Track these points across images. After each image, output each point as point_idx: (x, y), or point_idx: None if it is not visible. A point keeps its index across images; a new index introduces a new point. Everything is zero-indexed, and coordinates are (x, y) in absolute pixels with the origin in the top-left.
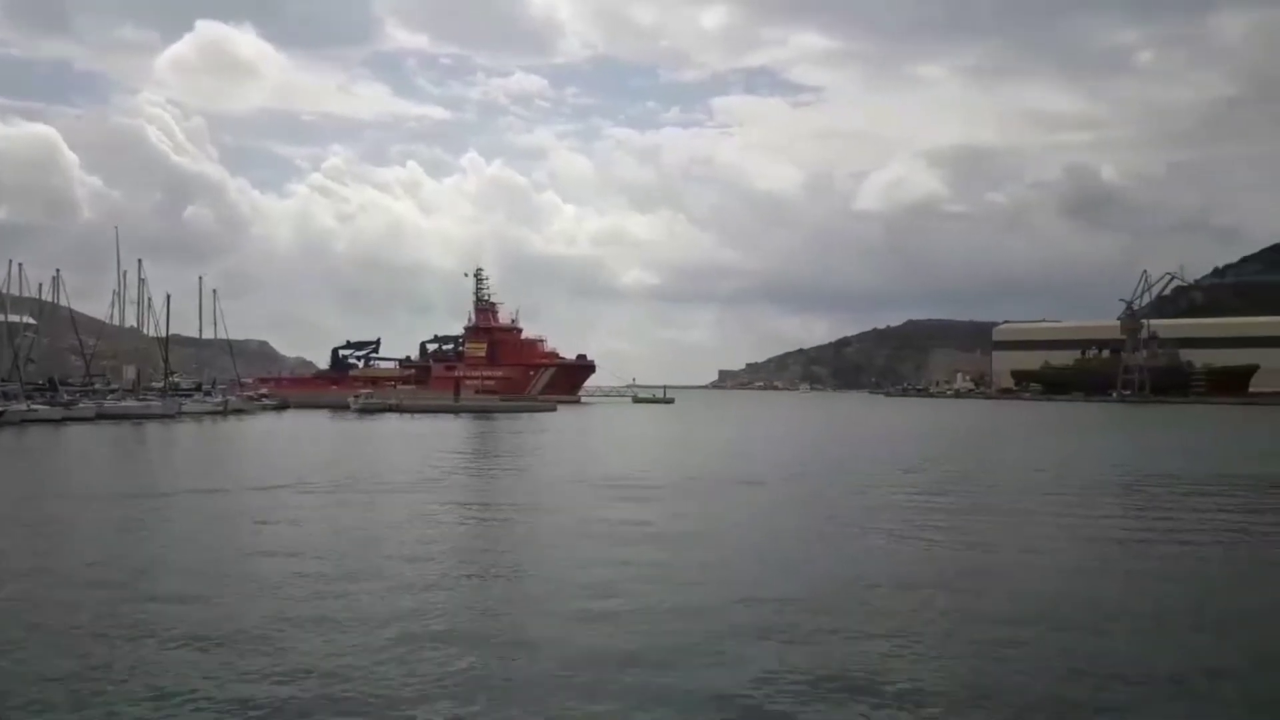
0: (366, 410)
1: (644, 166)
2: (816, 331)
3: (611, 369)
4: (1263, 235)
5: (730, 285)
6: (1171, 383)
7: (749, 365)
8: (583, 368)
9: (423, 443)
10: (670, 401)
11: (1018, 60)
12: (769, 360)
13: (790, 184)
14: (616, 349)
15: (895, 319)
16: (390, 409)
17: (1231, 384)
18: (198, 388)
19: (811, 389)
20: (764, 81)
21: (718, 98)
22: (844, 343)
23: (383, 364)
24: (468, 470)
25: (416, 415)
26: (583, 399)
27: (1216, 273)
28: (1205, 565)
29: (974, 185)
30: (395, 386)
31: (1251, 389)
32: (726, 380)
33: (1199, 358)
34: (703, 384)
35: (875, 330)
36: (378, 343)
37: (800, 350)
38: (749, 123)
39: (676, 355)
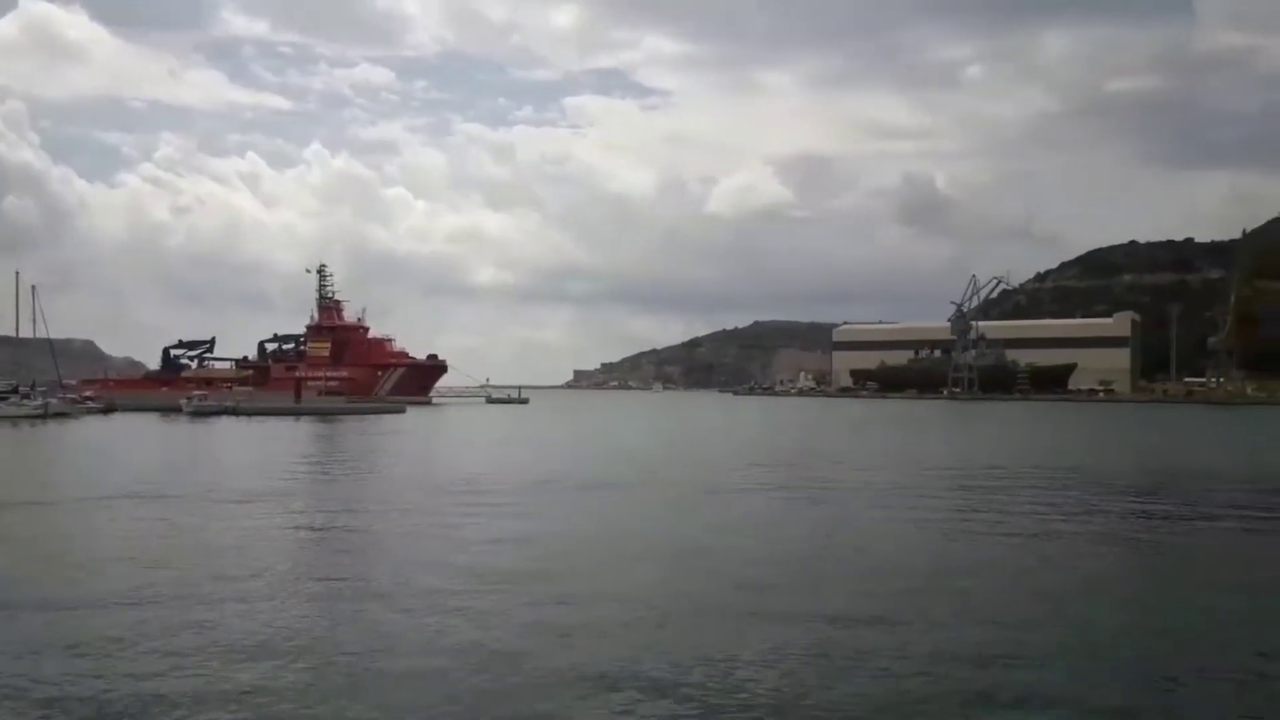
0: (200, 413)
1: (499, 164)
2: (669, 332)
3: (464, 369)
4: (1080, 243)
5: (585, 285)
6: (998, 381)
7: (603, 365)
8: (434, 368)
9: (260, 447)
10: (525, 402)
11: (858, 71)
12: (623, 360)
13: (643, 186)
14: (470, 348)
15: (744, 320)
16: (226, 412)
17: (1052, 381)
18: (14, 390)
19: (665, 388)
20: (616, 83)
21: (570, 97)
22: (695, 343)
23: (218, 364)
24: (307, 477)
25: (254, 418)
26: (434, 400)
27: (1038, 277)
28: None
29: (817, 191)
30: (231, 388)
31: (1070, 386)
32: (581, 380)
33: (1023, 357)
34: (557, 384)
35: (725, 331)
36: (212, 342)
37: (653, 350)
38: (601, 123)
39: (531, 355)
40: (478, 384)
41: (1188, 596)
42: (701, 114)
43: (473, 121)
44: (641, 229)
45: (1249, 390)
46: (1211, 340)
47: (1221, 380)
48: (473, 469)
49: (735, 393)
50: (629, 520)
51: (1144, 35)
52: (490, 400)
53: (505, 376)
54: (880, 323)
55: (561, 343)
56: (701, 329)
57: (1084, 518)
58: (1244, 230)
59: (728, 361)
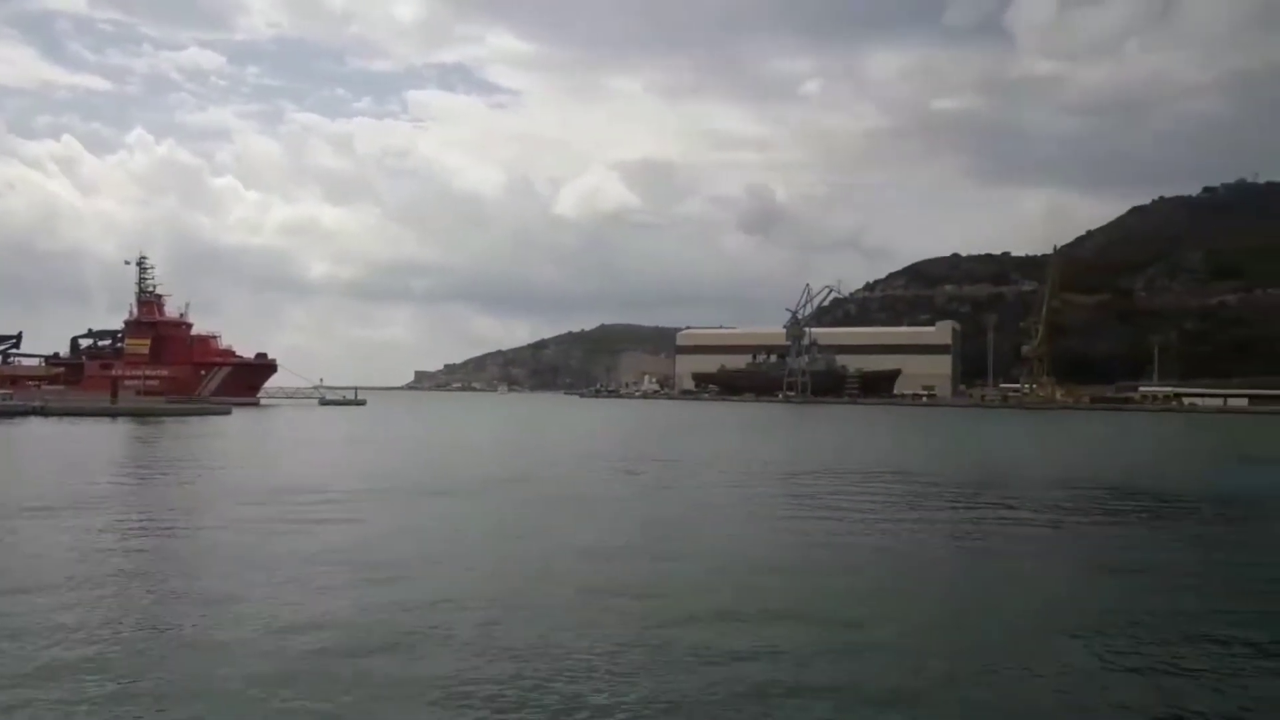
0: (3, 413)
1: (338, 156)
2: (515, 333)
3: (297, 369)
4: (906, 254)
5: (428, 283)
6: (829, 385)
7: (447, 366)
8: (263, 367)
9: (67, 450)
10: (362, 404)
11: (703, 80)
12: (467, 361)
13: (490, 185)
14: (303, 347)
15: (589, 322)
16: (34, 412)
17: (879, 386)
18: None
19: (510, 390)
20: (460, 79)
21: (412, 91)
22: (541, 345)
23: (25, 361)
24: (116, 483)
25: (65, 419)
26: (262, 401)
27: (868, 287)
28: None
29: (662, 197)
30: (40, 386)
31: (895, 390)
32: (423, 381)
33: (852, 363)
34: (398, 385)
35: (571, 333)
36: (19, 337)
37: (498, 351)
38: (445, 119)
39: (370, 355)
40: (311, 384)
41: (999, 587)
42: (549, 115)
43: (309, 111)
44: (487, 228)
45: (1058, 396)
46: (1025, 348)
47: (1034, 386)
48: (300, 474)
49: (581, 395)
50: (464, 527)
51: (966, 58)
52: (324, 402)
53: (341, 377)
54: (721, 328)
55: (402, 342)
56: (548, 331)
57: (907, 513)
58: (1055, 246)
59: (573, 364)
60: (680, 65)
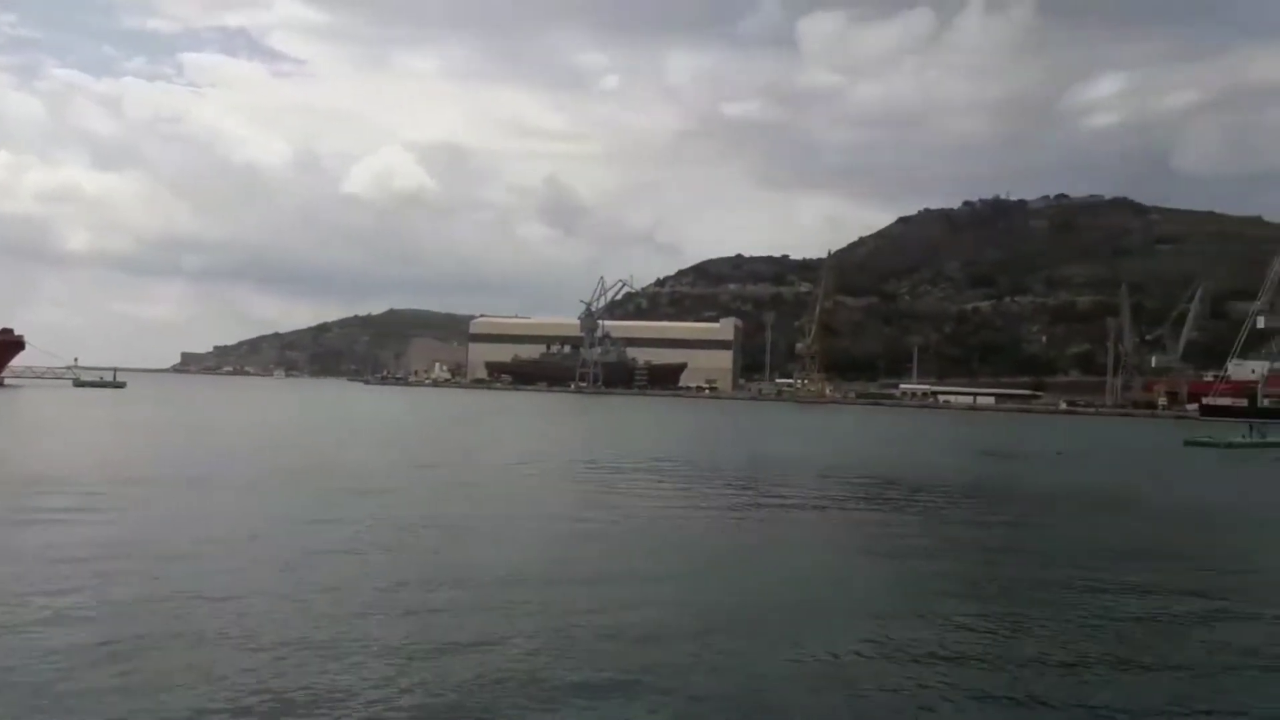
0: None
1: (106, 118)
2: (296, 315)
3: (49, 347)
4: (695, 252)
5: (202, 260)
6: (619, 376)
7: (217, 348)
8: (8, 344)
9: None
10: (121, 386)
11: (499, 65)
12: (241, 344)
13: (274, 158)
14: (59, 324)
15: (378, 306)
16: None
17: (666, 378)
18: None
19: (288, 375)
20: (243, 44)
21: (189, 53)
22: (324, 328)
23: None
24: None
25: None
26: (6, 382)
27: (658, 282)
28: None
29: (459, 182)
30: None
31: (681, 383)
32: (190, 364)
33: (642, 355)
34: (163, 367)
35: (358, 317)
36: None
37: (276, 334)
38: (225, 85)
39: (133, 334)
40: (64, 364)
41: (764, 571)
42: (338, 88)
43: (72, 68)
44: (270, 203)
45: (828, 391)
46: (799, 346)
47: (806, 382)
48: (42, 462)
49: (366, 382)
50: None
51: (756, 66)
52: (79, 383)
53: (100, 357)
54: (516, 317)
55: (171, 322)
56: (332, 314)
57: (685, 502)
58: (830, 251)
59: (359, 349)
60: (476, 48)
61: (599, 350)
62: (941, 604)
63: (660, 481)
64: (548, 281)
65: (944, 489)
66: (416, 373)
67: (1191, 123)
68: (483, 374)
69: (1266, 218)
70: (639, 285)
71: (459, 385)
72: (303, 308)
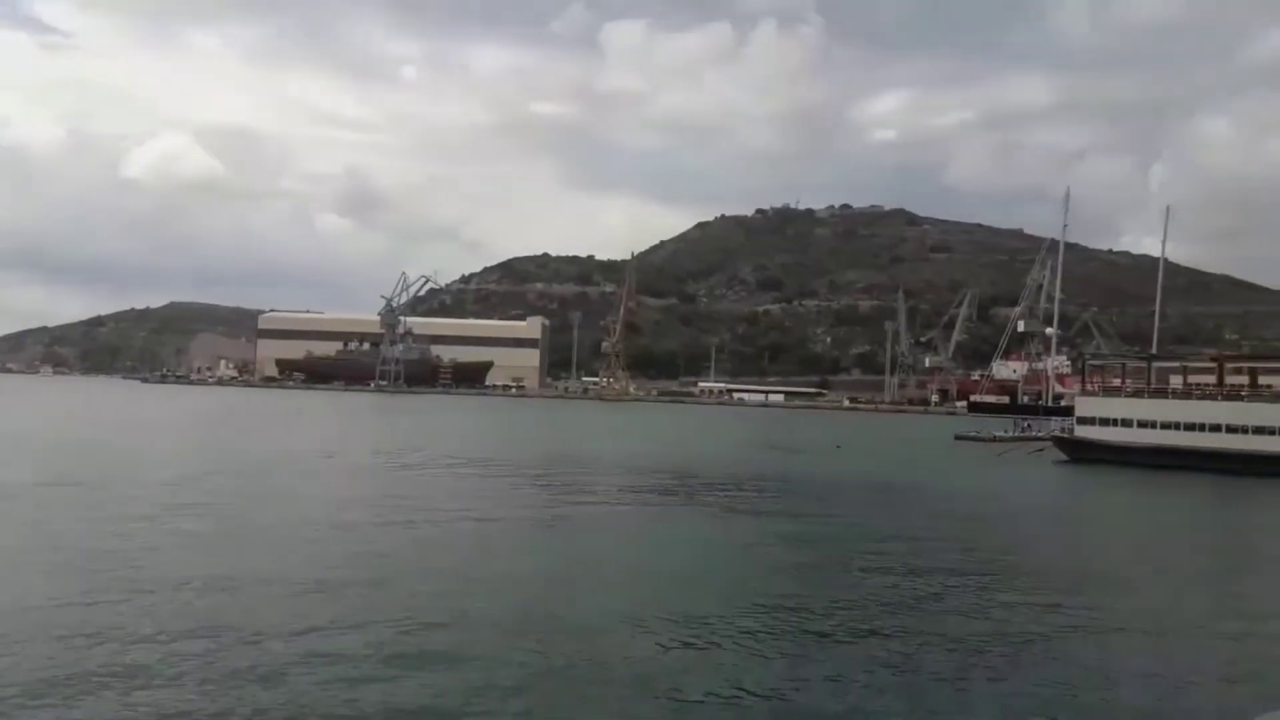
0: None
1: None
2: (65, 308)
3: None
4: (501, 250)
5: None
6: (422, 375)
7: None
8: None
9: None
10: None
11: (293, 47)
12: (4, 338)
13: (41, 138)
14: None
15: (158, 299)
16: None
17: (472, 376)
18: None
19: (55, 373)
20: (4, 12)
21: None
22: (97, 322)
23: None
24: None
25: None
26: None
27: (464, 279)
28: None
29: (251, 169)
30: None
31: (487, 382)
32: None
33: (446, 353)
34: None
35: (135, 310)
36: None
37: (43, 328)
38: None
39: None
40: None
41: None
42: (116, 65)
43: None
44: (36, 185)
45: (631, 389)
46: (604, 345)
47: (611, 380)
48: None
49: (144, 380)
50: None
51: (561, 65)
52: None
53: None
54: (310, 312)
55: None
56: (107, 307)
57: (491, 498)
58: (633, 252)
59: (137, 345)
60: (269, 29)
61: (401, 348)
62: (722, 593)
63: (460, 480)
64: (346, 276)
65: (737, 482)
66: (199, 370)
67: (962, 140)
68: (273, 372)
69: (1027, 230)
70: (444, 281)
71: (246, 384)
72: (74, 300)
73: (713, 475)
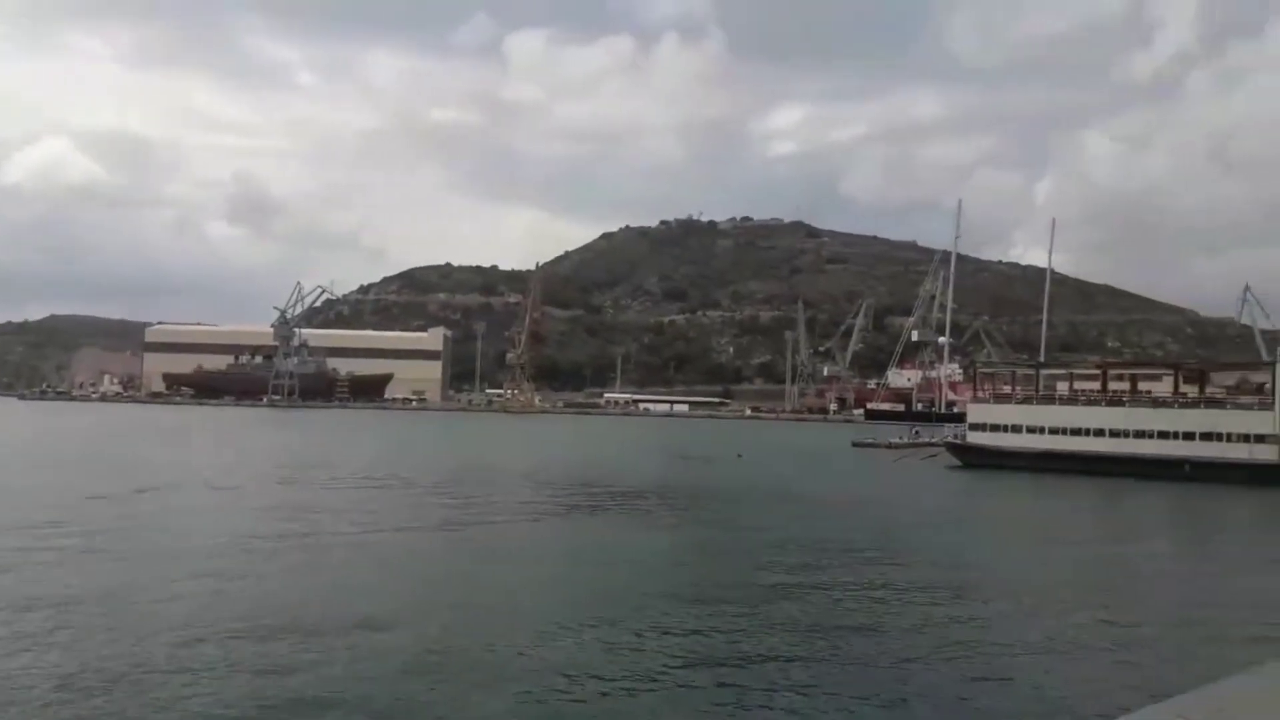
0: None
1: None
2: None
3: None
4: (402, 259)
5: None
6: (319, 388)
7: None
8: None
9: None
10: None
11: (179, 52)
12: None
13: None
14: None
15: (37, 312)
16: None
17: (371, 390)
18: None
19: None
20: None
21: None
22: None
23: None
24: None
25: None
26: None
27: (362, 289)
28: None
29: (136, 176)
30: None
31: (387, 395)
32: None
33: (343, 366)
34: None
35: (12, 324)
36: None
37: None
38: None
39: None
40: None
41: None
42: None
43: None
44: None
45: (537, 401)
46: (509, 356)
47: (516, 392)
48: None
49: (22, 397)
50: None
51: (463, 73)
52: None
53: None
54: (200, 324)
55: None
56: None
57: (395, 516)
58: (538, 263)
59: (14, 359)
60: (153, 32)
61: (295, 361)
62: (623, 605)
63: (352, 498)
64: (238, 287)
65: (642, 492)
66: (82, 386)
67: (859, 154)
68: (160, 386)
69: (920, 242)
70: (341, 292)
71: (133, 399)
72: None
73: (619, 486)
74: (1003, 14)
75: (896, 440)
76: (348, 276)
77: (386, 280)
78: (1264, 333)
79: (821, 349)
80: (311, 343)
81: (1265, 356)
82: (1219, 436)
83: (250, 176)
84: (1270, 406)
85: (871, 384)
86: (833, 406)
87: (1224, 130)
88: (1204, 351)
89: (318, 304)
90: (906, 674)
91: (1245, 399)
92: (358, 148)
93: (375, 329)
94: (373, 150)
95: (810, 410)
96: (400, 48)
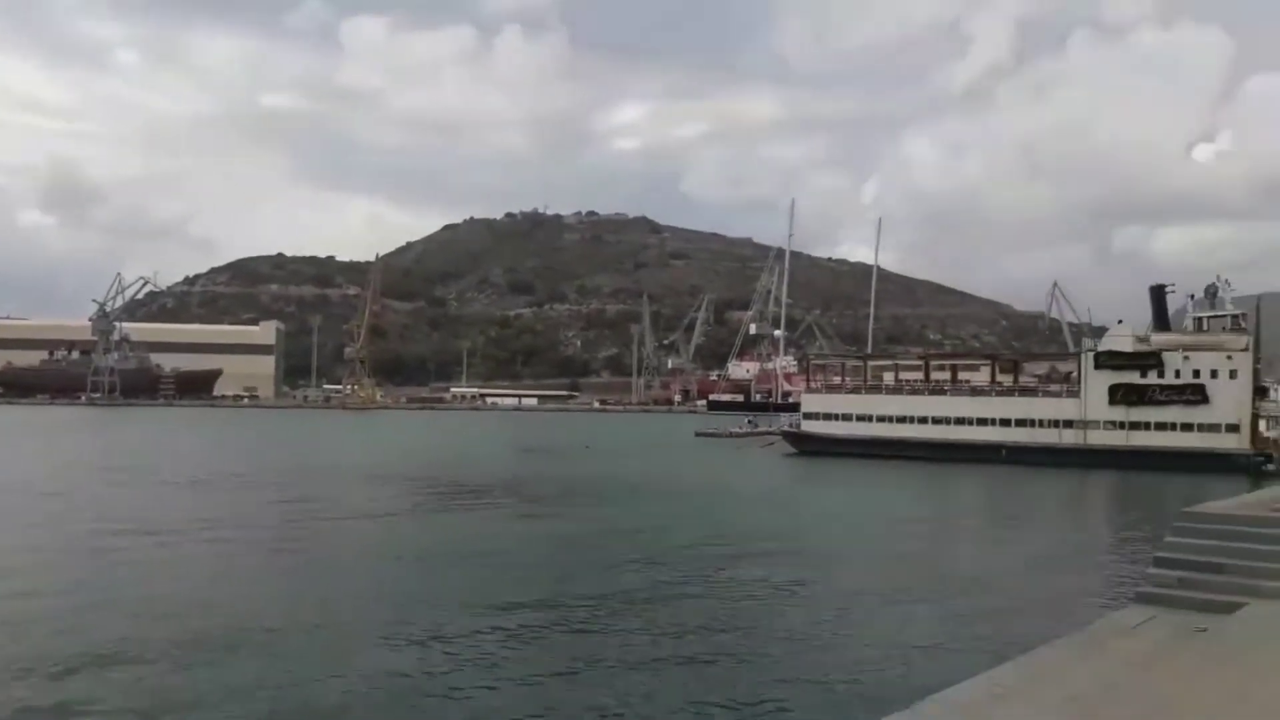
0: None
1: None
2: None
3: None
4: (231, 249)
5: None
6: (142, 385)
7: None
8: None
9: None
10: None
11: None
12: None
13: None
14: None
15: None
16: None
17: (198, 386)
18: None
19: None
20: None
21: None
22: None
23: None
24: None
25: None
26: None
27: (188, 281)
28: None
29: None
30: None
31: (216, 391)
32: None
33: (169, 361)
34: None
35: None
36: None
37: None
38: None
39: None
40: None
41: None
42: None
43: None
44: None
45: (378, 396)
46: (348, 351)
47: (356, 387)
48: None
49: None
50: None
51: (296, 57)
52: None
53: None
54: (10, 318)
55: None
56: None
57: (225, 520)
58: (378, 254)
59: None
60: None
61: (116, 356)
62: (468, 598)
63: (171, 501)
64: (52, 278)
65: (489, 486)
66: None
67: (697, 152)
68: None
69: (757, 239)
70: (165, 284)
71: None
72: None
73: (465, 482)
74: (833, 21)
75: (737, 430)
76: (174, 268)
77: (215, 271)
78: (1071, 325)
79: (666, 342)
80: (133, 337)
81: (1072, 348)
82: (1032, 423)
83: (65, 161)
84: (1077, 394)
85: (713, 376)
86: (677, 398)
87: (1032, 137)
88: (1017, 343)
89: (140, 296)
90: (742, 660)
91: (1055, 388)
92: (185, 132)
93: (203, 322)
94: (201, 135)
95: (656, 402)
96: (229, 30)
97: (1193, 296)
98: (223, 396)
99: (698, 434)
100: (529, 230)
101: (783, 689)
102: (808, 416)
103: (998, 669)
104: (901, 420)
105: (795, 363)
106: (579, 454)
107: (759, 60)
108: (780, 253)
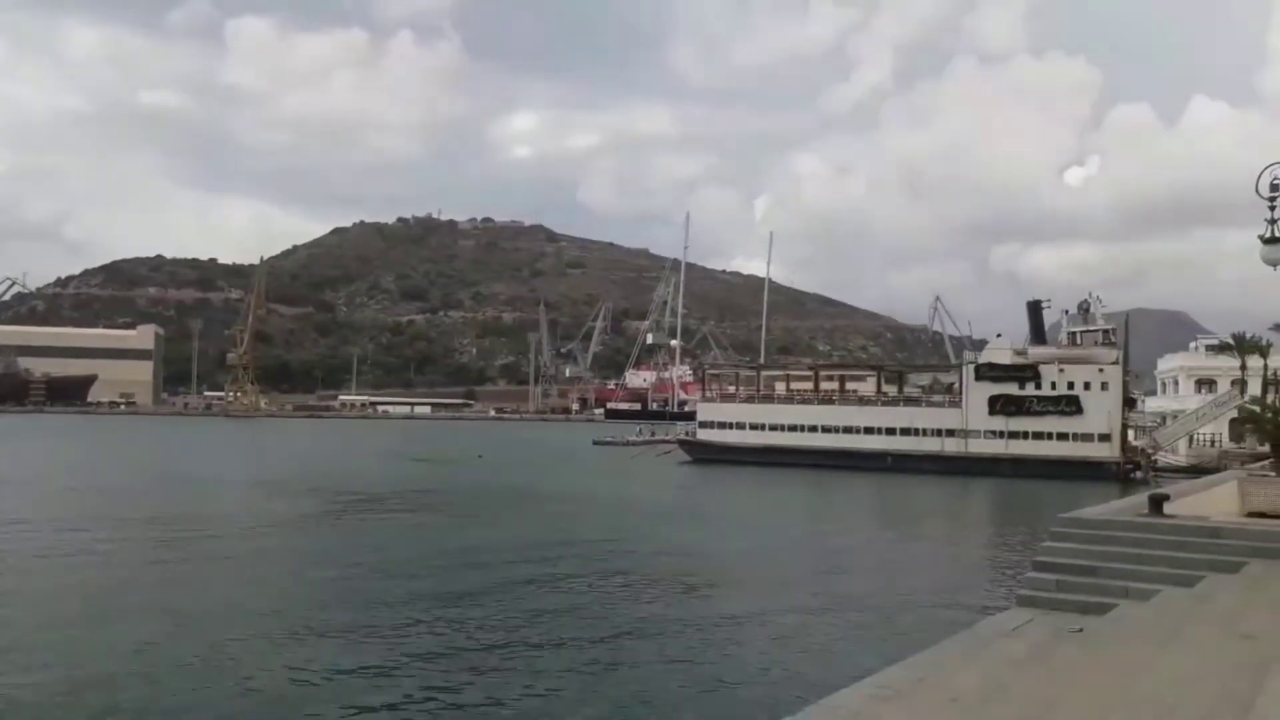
0: None
1: None
2: None
3: None
4: (106, 251)
5: None
6: (10, 391)
7: None
8: None
9: None
10: None
11: None
12: None
13: None
14: None
15: None
16: None
17: (71, 392)
18: None
19: None
20: None
21: None
22: None
23: None
24: None
25: None
26: None
27: (59, 283)
28: None
29: None
30: None
31: (90, 398)
32: None
33: (39, 366)
34: None
35: None
36: None
37: None
38: None
39: None
40: None
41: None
42: None
43: None
44: None
45: (262, 404)
46: (230, 356)
47: (239, 394)
48: None
49: None
50: None
51: (176, 55)
52: None
53: None
54: None
55: None
56: None
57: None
58: (262, 257)
59: None
60: None
61: None
62: (350, 612)
63: (47, 515)
64: None
65: (376, 497)
66: None
67: (594, 162)
68: None
69: (653, 250)
70: (34, 285)
71: None
72: None
73: (351, 492)
74: (724, 40)
75: (634, 438)
76: (45, 269)
77: (88, 273)
78: (952, 338)
79: (563, 350)
80: (0, 341)
81: (954, 360)
82: (916, 432)
83: None
84: (959, 405)
85: (611, 384)
86: (575, 406)
87: (914, 158)
88: (902, 355)
89: (7, 297)
90: (635, 667)
91: (937, 398)
92: (54, 129)
93: (76, 326)
94: (75, 132)
95: (553, 410)
96: (101, 23)
97: (1067, 312)
98: (98, 403)
99: (595, 442)
100: (422, 236)
101: (669, 696)
102: (703, 425)
103: (884, 671)
104: (793, 429)
105: (691, 372)
106: (473, 463)
107: (653, 75)
108: (676, 264)
